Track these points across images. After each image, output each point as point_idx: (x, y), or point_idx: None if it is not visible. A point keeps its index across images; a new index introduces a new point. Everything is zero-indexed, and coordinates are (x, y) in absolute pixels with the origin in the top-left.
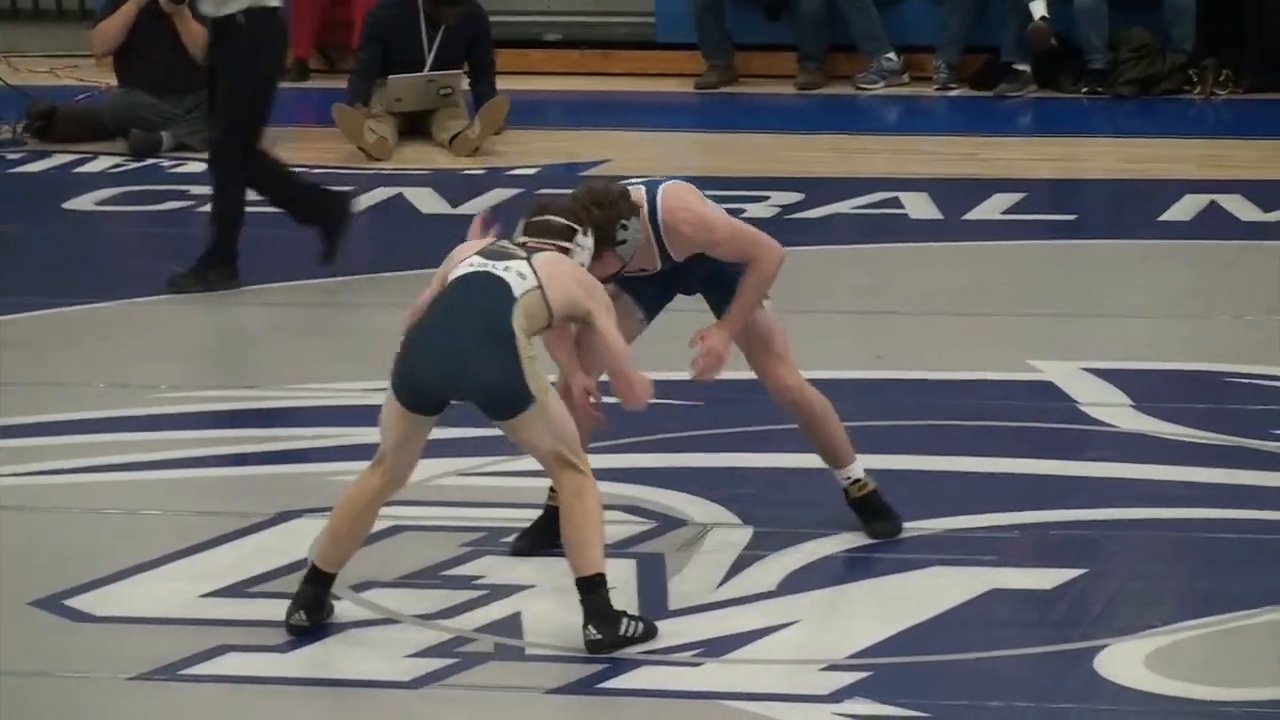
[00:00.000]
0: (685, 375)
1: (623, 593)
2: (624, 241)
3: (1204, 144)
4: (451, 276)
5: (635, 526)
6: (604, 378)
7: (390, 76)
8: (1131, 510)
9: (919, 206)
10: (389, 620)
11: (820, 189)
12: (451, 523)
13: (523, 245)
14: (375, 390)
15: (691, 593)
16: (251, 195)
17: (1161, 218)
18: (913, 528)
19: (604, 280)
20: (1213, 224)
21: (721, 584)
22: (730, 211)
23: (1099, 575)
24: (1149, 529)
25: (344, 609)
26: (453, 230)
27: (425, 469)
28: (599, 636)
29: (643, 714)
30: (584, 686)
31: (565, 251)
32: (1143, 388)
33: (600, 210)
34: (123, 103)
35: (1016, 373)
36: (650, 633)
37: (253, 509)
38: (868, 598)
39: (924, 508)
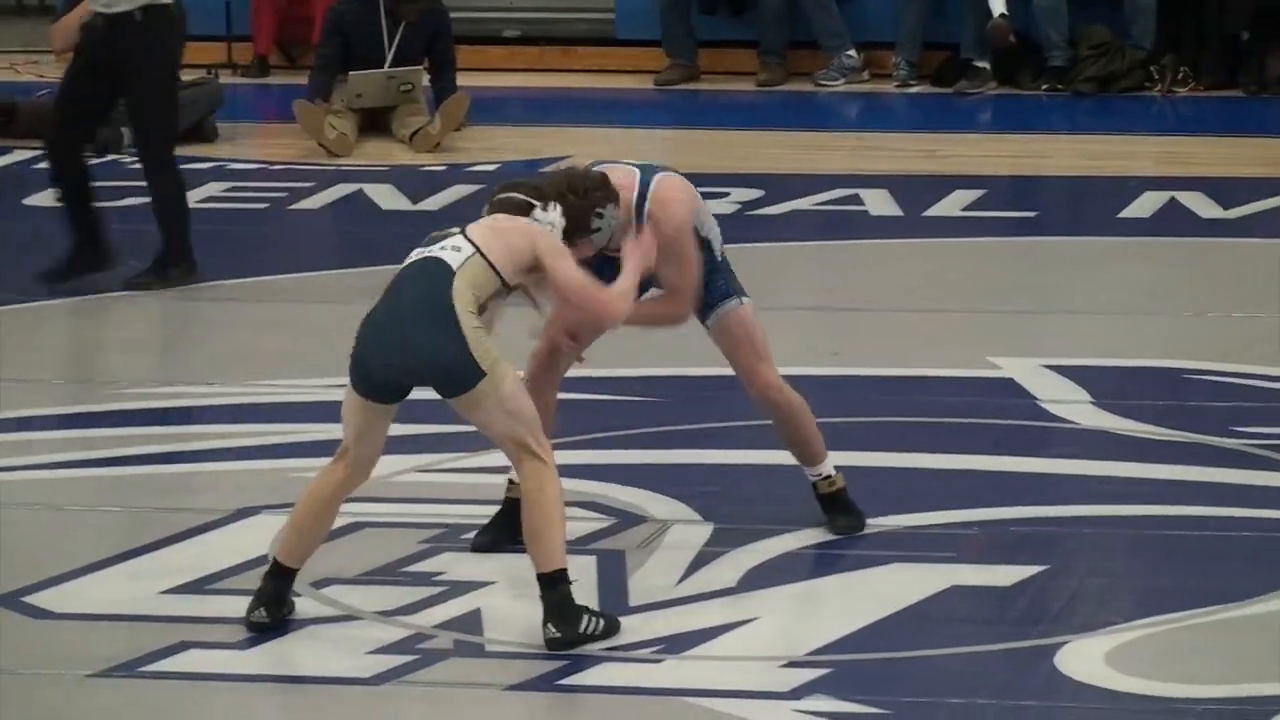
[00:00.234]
0: (648, 370)
1: (583, 589)
2: (598, 230)
3: (1164, 141)
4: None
5: (595, 523)
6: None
7: (351, 72)
8: (1092, 507)
9: (879, 203)
10: (349, 617)
11: (780, 185)
12: (411, 519)
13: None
14: (335, 386)
15: (652, 589)
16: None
17: (1121, 214)
18: (873, 524)
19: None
20: (1172, 221)
21: (682, 581)
22: None
23: (1059, 572)
24: (1109, 526)
25: (304, 606)
26: (413, 226)
27: (385, 465)
28: (558, 635)
29: (603, 711)
30: (544, 683)
31: None
32: (1103, 384)
33: (575, 197)
34: None
35: (976, 369)
36: (612, 629)
37: (212, 505)
38: (828, 595)
39: (884, 504)
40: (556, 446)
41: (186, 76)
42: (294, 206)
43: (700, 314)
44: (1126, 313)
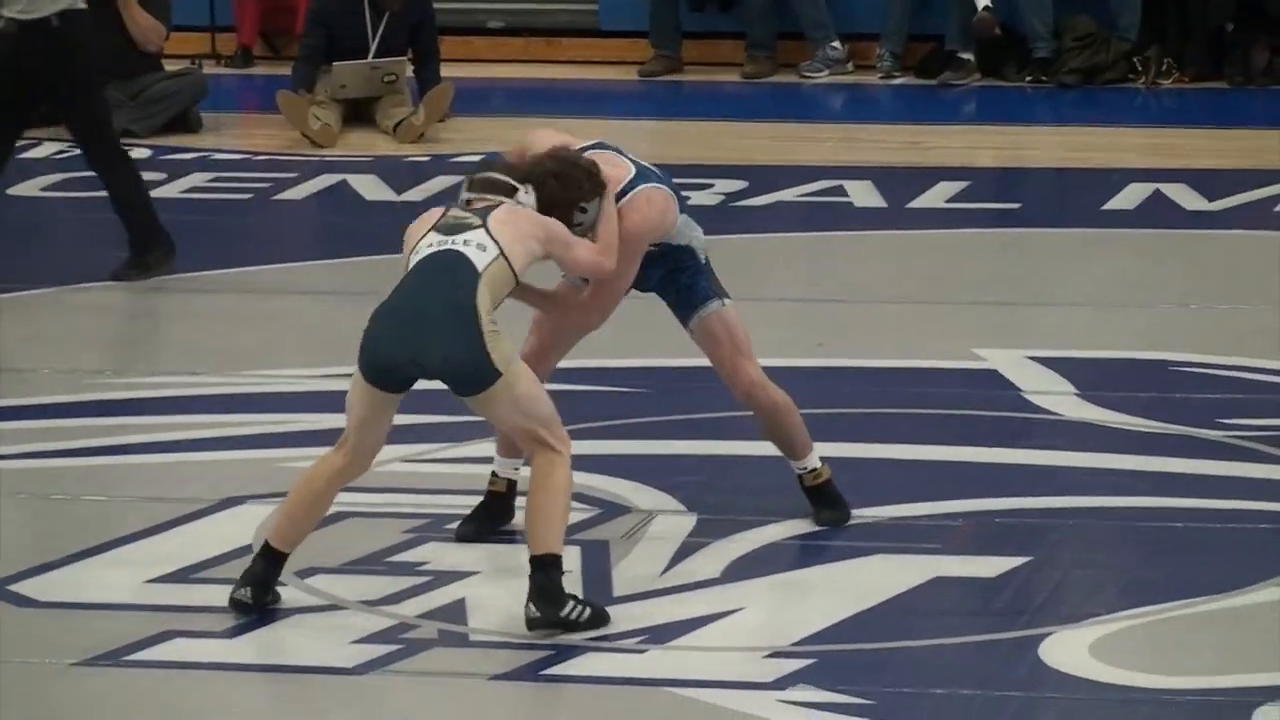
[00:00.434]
0: (633, 362)
1: (567, 579)
2: (579, 224)
3: (1148, 133)
4: (414, 260)
5: (580, 513)
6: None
7: (334, 63)
8: (1076, 499)
9: (863, 195)
10: (334, 606)
11: (764, 177)
12: (396, 509)
13: (470, 206)
14: (320, 377)
15: (636, 579)
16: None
17: (1106, 206)
18: (857, 515)
19: None
20: (1157, 213)
21: (665, 571)
22: None
23: (1043, 563)
24: (1093, 517)
25: (289, 595)
26: (396, 217)
27: None
28: (538, 615)
29: (587, 700)
30: (528, 672)
31: None
32: (1087, 376)
33: (558, 184)
34: None
35: (961, 361)
36: (600, 619)
37: (198, 495)
38: (812, 585)
39: (868, 496)
40: None
41: (171, 67)
42: (278, 197)
43: (682, 316)
44: (1111, 304)
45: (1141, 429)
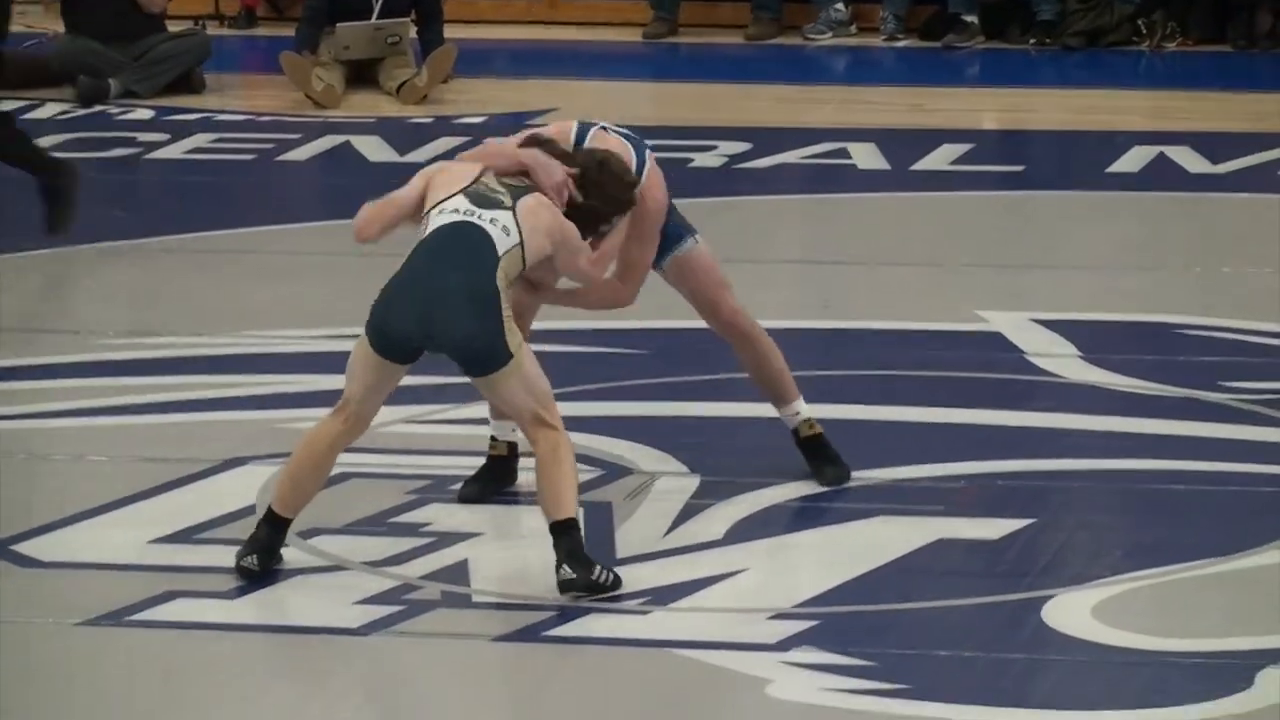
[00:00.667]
0: (634, 323)
1: None
2: (604, 233)
3: (1152, 95)
4: (434, 223)
5: (583, 475)
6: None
7: (338, 24)
8: (1079, 461)
9: (866, 157)
10: (337, 567)
11: (768, 139)
12: (399, 470)
13: (506, 184)
14: (322, 338)
15: (638, 541)
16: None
17: (1109, 169)
18: (860, 477)
19: None
20: (1161, 176)
21: (668, 532)
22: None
23: (1046, 526)
24: (1096, 480)
25: (292, 556)
26: (400, 178)
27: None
28: (573, 576)
29: (590, 662)
30: (531, 634)
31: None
32: (1090, 339)
33: (602, 200)
34: (70, 50)
35: (964, 323)
36: (618, 584)
37: (201, 455)
38: (815, 547)
39: (872, 458)
40: None
41: (174, 28)
42: (281, 158)
43: (656, 258)
44: (1115, 267)
45: (1144, 391)
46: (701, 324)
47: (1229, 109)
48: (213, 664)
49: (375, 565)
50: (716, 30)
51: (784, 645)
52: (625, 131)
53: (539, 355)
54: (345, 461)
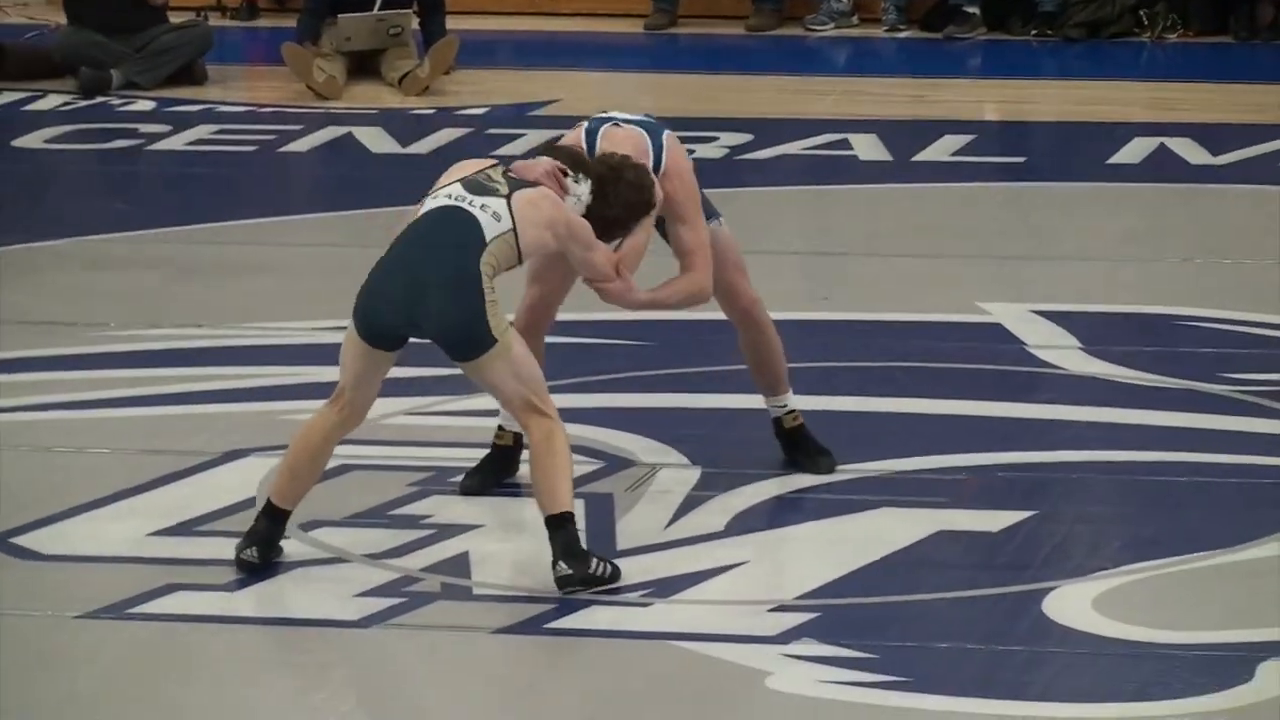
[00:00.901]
0: (636, 315)
1: None
2: (619, 238)
3: (1153, 87)
4: (425, 208)
5: (584, 466)
6: None
7: (340, 15)
8: (1080, 453)
9: (868, 148)
10: (337, 559)
11: (769, 130)
12: (400, 462)
13: (508, 177)
14: (323, 329)
15: (640, 533)
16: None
17: (1110, 160)
18: (861, 469)
19: None
20: (1162, 167)
21: (670, 524)
22: None
23: (1047, 517)
24: (1097, 471)
25: (292, 548)
26: (401, 169)
27: (374, 408)
28: (570, 572)
29: (591, 654)
30: (531, 626)
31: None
32: (1091, 330)
33: (624, 208)
34: (72, 41)
35: (965, 314)
36: (616, 575)
37: (200, 448)
38: (816, 539)
39: (872, 449)
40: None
41: (176, 19)
42: (283, 149)
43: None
44: (1115, 258)
45: (1145, 383)
46: (703, 316)
47: (1230, 100)
48: (213, 656)
49: (376, 557)
50: (717, 21)
51: (785, 637)
52: (638, 118)
53: None
54: (346, 454)
